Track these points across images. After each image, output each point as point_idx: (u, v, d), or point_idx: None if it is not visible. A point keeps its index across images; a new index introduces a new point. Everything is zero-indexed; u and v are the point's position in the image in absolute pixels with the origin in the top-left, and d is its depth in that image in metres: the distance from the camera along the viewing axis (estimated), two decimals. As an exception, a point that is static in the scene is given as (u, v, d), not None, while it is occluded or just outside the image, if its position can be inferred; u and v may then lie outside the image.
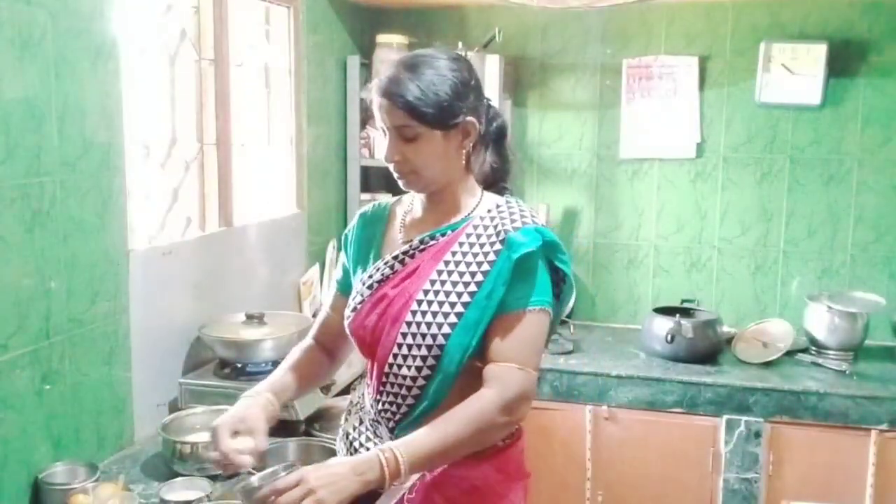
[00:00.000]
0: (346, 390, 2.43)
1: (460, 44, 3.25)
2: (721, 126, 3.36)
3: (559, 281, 1.57)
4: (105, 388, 2.13)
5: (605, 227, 3.53)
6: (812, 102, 3.20)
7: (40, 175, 1.87)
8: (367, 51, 3.46)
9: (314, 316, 3.07)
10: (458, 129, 1.54)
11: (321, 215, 3.33)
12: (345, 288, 1.71)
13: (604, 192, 3.51)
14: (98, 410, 2.10)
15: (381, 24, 3.48)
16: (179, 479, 1.89)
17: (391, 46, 3.40)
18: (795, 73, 3.19)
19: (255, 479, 1.37)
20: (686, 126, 3.37)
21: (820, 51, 3.15)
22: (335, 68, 3.39)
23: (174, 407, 2.34)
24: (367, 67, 3.46)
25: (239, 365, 2.44)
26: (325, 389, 2.34)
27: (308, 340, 1.78)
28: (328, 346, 1.77)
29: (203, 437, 2.08)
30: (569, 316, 3.41)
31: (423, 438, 1.44)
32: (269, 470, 1.40)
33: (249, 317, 2.51)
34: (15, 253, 1.81)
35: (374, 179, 3.61)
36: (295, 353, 1.75)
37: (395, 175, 1.58)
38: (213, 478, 1.92)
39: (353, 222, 1.75)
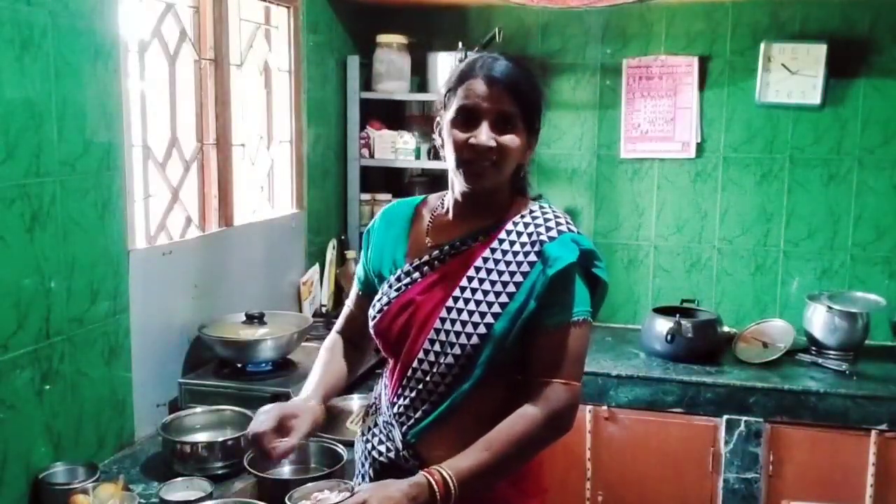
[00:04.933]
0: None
1: (460, 44, 3.25)
2: (721, 126, 3.36)
3: (596, 286, 1.54)
4: (105, 388, 2.13)
5: (605, 226, 3.53)
6: (812, 102, 3.20)
7: (40, 175, 1.87)
8: (367, 51, 3.46)
9: (314, 316, 3.09)
10: (535, 136, 1.54)
11: (321, 215, 3.33)
12: (364, 286, 1.69)
13: (604, 191, 3.51)
14: (98, 410, 2.10)
15: (381, 24, 3.48)
16: (179, 479, 1.88)
17: (391, 46, 3.40)
18: (795, 73, 3.19)
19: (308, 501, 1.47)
20: (686, 126, 3.37)
21: (820, 51, 3.15)
22: (335, 68, 3.39)
23: (174, 407, 2.34)
24: (367, 67, 3.46)
25: (239, 365, 2.44)
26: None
27: (333, 335, 1.76)
28: (354, 340, 1.75)
29: (202, 437, 2.09)
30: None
31: (469, 458, 1.42)
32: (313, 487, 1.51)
33: (249, 317, 2.51)
34: (15, 253, 1.81)
35: (374, 179, 3.61)
36: (325, 354, 1.72)
37: (467, 167, 1.49)
38: (214, 478, 1.92)
39: (375, 220, 1.70)
